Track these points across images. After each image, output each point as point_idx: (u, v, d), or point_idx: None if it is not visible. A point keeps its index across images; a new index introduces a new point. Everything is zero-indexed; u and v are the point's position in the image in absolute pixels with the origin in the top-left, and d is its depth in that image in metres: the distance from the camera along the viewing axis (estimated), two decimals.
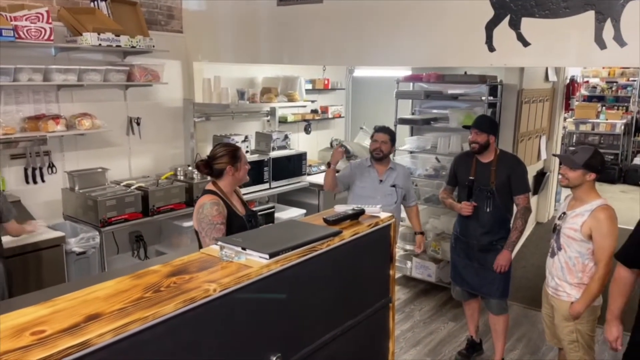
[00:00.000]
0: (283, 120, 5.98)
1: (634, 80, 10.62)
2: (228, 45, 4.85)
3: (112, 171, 4.49)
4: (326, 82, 6.42)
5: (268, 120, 5.87)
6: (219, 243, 1.43)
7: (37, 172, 4.07)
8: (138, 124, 4.66)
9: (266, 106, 5.69)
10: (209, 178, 2.82)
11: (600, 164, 2.71)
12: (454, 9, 3.50)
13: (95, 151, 4.43)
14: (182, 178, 4.66)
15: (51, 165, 4.14)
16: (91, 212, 3.99)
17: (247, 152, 5.14)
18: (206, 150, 5.09)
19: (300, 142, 6.21)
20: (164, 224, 4.72)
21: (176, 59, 4.92)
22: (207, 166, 2.74)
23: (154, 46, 4.35)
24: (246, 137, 5.19)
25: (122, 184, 4.38)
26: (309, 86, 6.14)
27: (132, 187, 4.30)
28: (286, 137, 5.58)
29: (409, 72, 5.52)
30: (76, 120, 4.07)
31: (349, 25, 4.01)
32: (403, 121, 5.29)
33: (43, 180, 4.11)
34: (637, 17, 2.87)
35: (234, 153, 2.75)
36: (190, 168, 4.76)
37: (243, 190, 4.69)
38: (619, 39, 2.95)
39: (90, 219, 4.02)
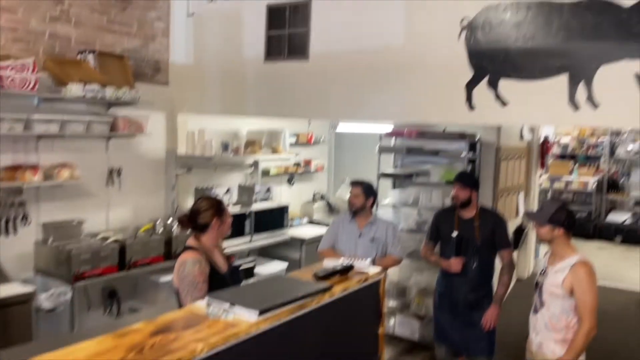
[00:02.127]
0: (266, 173, 5.98)
1: (604, 140, 11.02)
2: (214, 98, 4.91)
3: (89, 223, 4.37)
4: (310, 135, 6.50)
5: (251, 173, 5.87)
6: (207, 299, 1.38)
7: (10, 224, 3.93)
8: (119, 175, 4.60)
9: (250, 158, 5.70)
10: (189, 232, 2.75)
11: (566, 218, 2.75)
12: (436, 68, 3.63)
13: (72, 202, 4.33)
14: (161, 231, 4.56)
15: (25, 217, 4.02)
16: (64, 265, 3.85)
17: (228, 204, 5.10)
18: (187, 202, 5.04)
19: (282, 195, 6.20)
20: (141, 279, 4.56)
21: (161, 111, 4.94)
22: (191, 220, 2.69)
23: (139, 98, 4.37)
24: (228, 189, 5.16)
25: (98, 237, 4.26)
26: (293, 139, 6.21)
27: (109, 240, 4.18)
28: (269, 189, 5.56)
29: (391, 128, 5.64)
30: (55, 170, 4.00)
31: (333, 82, 4.11)
32: (385, 175, 5.35)
33: (16, 232, 3.97)
34: (608, 80, 3.01)
35: (218, 206, 2.71)
36: (169, 220, 4.68)
37: (223, 244, 4.63)
38: (592, 101, 3.08)
39: (63, 273, 3.86)
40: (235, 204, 5.31)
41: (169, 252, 4.36)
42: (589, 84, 3.09)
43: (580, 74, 3.11)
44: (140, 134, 4.55)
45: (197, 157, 5.05)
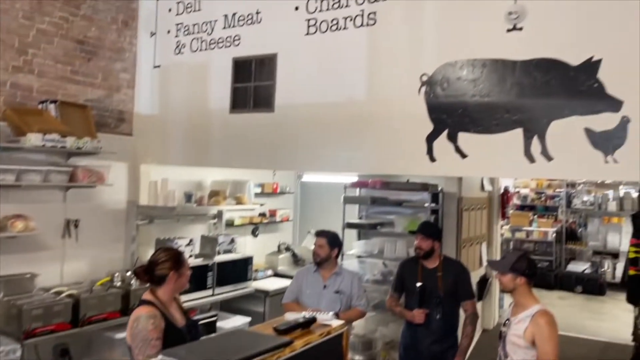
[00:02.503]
0: (230, 224, 5.91)
1: (560, 191, 11.45)
2: (178, 148, 4.89)
3: (43, 277, 4.17)
4: (275, 186, 6.50)
5: (214, 224, 5.78)
6: (160, 356, 1.31)
7: None
8: (76, 226, 4.45)
9: (213, 209, 5.63)
10: (147, 285, 2.66)
11: (527, 267, 2.80)
12: (398, 121, 3.73)
13: (26, 255, 4.13)
14: (118, 284, 4.38)
15: None
16: (14, 322, 3.62)
17: (190, 256, 4.97)
18: (147, 254, 4.87)
19: (247, 246, 6.10)
20: (95, 336, 4.32)
21: (123, 161, 4.87)
22: (147, 272, 2.59)
23: (101, 148, 4.31)
24: (191, 240, 5.05)
25: (51, 291, 4.06)
26: (258, 190, 6.19)
27: (63, 295, 3.99)
28: (232, 240, 5.47)
29: (356, 179, 5.72)
30: (9, 222, 3.84)
31: (298, 133, 4.17)
32: (350, 226, 5.37)
33: None
34: (561, 134, 3.16)
35: (177, 258, 2.64)
36: (128, 274, 4.51)
37: (183, 298, 4.46)
38: (546, 154, 3.21)
39: (13, 330, 3.63)
40: (198, 255, 5.19)
41: (127, 307, 4.17)
42: (542, 138, 3.22)
43: (534, 129, 3.25)
44: (101, 184, 4.44)
45: (160, 208, 4.95)
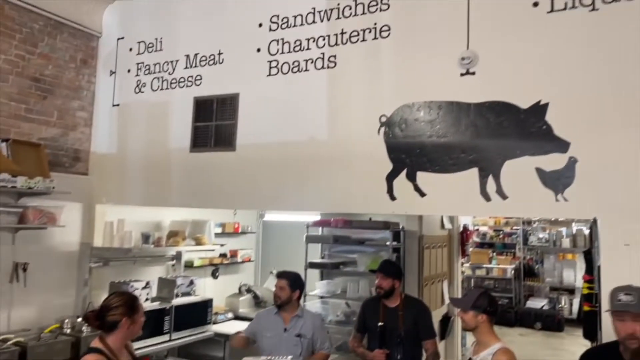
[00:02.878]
0: (189, 265, 5.75)
1: (517, 229, 11.76)
2: (136, 188, 4.78)
3: None
4: (236, 225, 6.41)
5: (173, 265, 5.61)
6: None
7: None
8: (25, 270, 4.23)
9: (172, 250, 5.47)
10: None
11: (488, 304, 2.82)
12: (359, 160, 3.79)
13: None
14: (68, 331, 4.16)
15: None
16: None
17: (147, 299, 4.78)
18: (100, 299, 4.66)
19: (206, 288, 5.93)
20: None
21: (78, 201, 4.71)
22: (99, 318, 2.46)
23: (53, 187, 4.16)
24: (147, 283, 4.87)
25: None
26: (219, 229, 6.08)
27: (9, 343, 3.75)
28: (191, 282, 5.31)
29: (318, 217, 5.70)
30: None
31: (260, 172, 4.16)
32: (313, 265, 5.31)
33: None
34: (514, 174, 3.27)
35: (131, 303, 2.52)
36: (79, 320, 4.28)
37: (138, 344, 4.27)
38: (501, 193, 3.31)
39: None
40: (155, 299, 5.00)
41: (77, 355, 3.94)
42: (497, 177, 3.33)
43: (489, 168, 3.36)
44: (53, 226, 4.27)
45: (115, 249, 4.78)
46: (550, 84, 3.21)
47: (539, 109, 3.21)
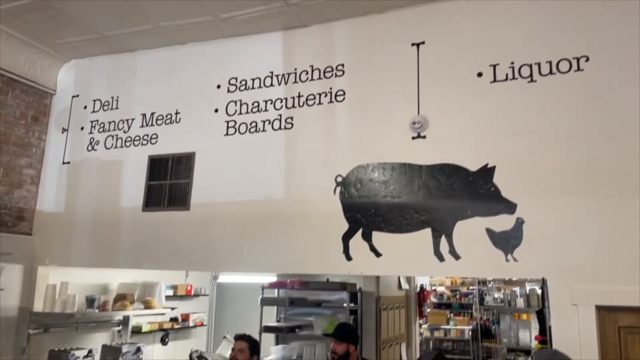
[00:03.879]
0: (137, 330, 5.44)
1: (473, 289, 11.86)
2: (83, 248, 4.57)
3: None
4: (189, 287, 6.18)
5: (119, 331, 5.29)
6: None
7: None
8: None
9: (119, 314, 5.18)
10: None
11: None
12: (315, 220, 3.79)
13: None
14: None
15: None
16: None
17: None
18: None
19: (155, 355, 5.60)
20: None
21: (19, 263, 4.45)
22: None
23: None
24: (90, 351, 4.55)
25: None
26: (170, 292, 5.84)
27: None
28: (138, 349, 5.00)
29: (274, 279, 5.59)
30: None
31: (215, 232, 4.08)
32: (268, 329, 5.14)
33: None
34: (465, 235, 3.34)
35: None
36: None
37: None
38: (454, 253, 3.36)
39: None
40: None
41: None
42: (449, 238, 3.39)
43: (441, 229, 3.42)
44: None
45: (56, 315, 4.49)
46: (496, 148, 3.37)
47: (487, 172, 3.35)
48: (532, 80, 3.36)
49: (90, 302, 4.69)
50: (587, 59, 3.24)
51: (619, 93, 3.12)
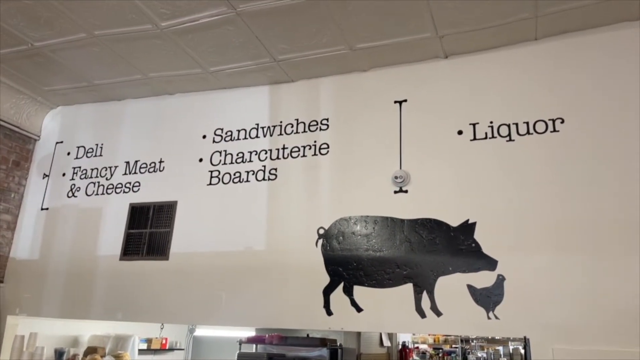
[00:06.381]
0: None
1: (456, 347, 11.62)
2: (56, 298, 4.41)
3: None
4: (164, 341, 5.96)
5: None
6: None
7: None
8: None
9: None
10: None
11: None
12: (296, 273, 3.73)
13: None
14: None
15: None
16: None
17: None
18: None
19: None
20: None
21: None
22: None
23: None
24: None
25: None
26: (144, 345, 5.62)
27: None
28: None
29: (252, 333, 5.43)
30: None
31: (193, 282, 3.99)
32: None
33: None
34: (447, 291, 3.32)
35: None
36: None
37: None
38: (435, 309, 3.32)
39: None
40: None
41: None
42: (431, 294, 3.36)
43: (423, 284, 3.40)
44: None
45: None
46: (476, 204, 3.41)
47: (468, 228, 3.37)
48: (510, 140, 3.46)
49: (59, 355, 4.49)
50: (562, 121, 3.36)
51: (593, 153, 3.22)
